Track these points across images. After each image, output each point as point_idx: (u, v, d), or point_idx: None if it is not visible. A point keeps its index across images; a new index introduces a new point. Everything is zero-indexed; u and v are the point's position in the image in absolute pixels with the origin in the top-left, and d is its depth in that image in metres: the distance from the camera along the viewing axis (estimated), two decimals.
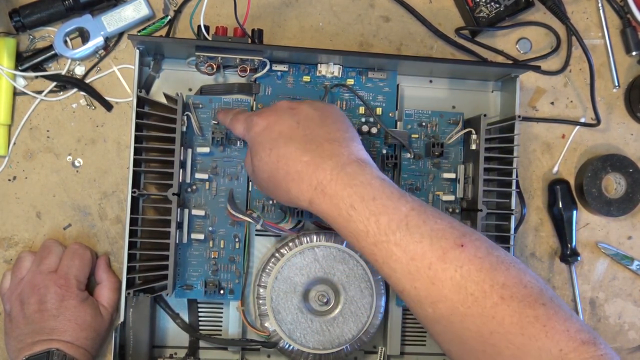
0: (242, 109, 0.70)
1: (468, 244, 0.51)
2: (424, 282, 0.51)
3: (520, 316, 0.48)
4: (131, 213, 0.68)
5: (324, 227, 0.72)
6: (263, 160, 0.59)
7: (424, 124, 0.75)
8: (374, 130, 0.73)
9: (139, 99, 0.68)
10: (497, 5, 0.80)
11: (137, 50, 0.69)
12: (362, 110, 0.74)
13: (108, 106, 0.75)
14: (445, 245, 0.51)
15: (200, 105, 0.72)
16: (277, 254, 0.70)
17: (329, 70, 0.73)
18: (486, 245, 0.52)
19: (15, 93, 0.74)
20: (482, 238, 0.53)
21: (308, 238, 0.70)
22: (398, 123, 0.75)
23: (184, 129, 0.69)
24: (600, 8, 0.83)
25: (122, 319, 0.68)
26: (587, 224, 0.83)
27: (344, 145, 0.58)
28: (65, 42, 0.73)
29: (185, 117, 0.69)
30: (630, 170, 0.81)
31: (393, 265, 0.53)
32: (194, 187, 0.71)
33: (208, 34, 0.71)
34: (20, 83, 0.74)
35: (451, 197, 0.74)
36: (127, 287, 0.67)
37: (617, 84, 0.83)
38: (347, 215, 0.54)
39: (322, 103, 0.63)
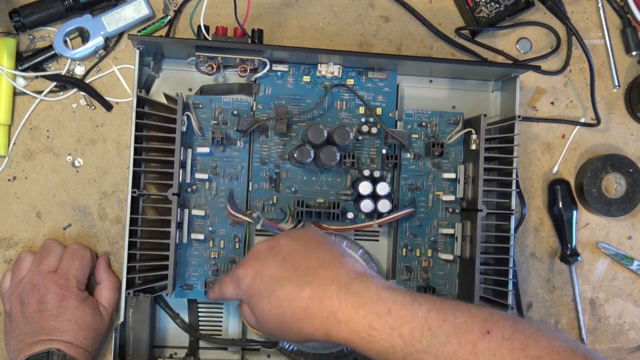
0: (223, 276, 0.65)
1: (493, 328, 0.51)
2: None
3: None
4: (131, 213, 0.68)
5: (323, 227, 0.72)
6: (265, 310, 0.57)
7: (424, 124, 0.74)
8: (374, 130, 0.73)
9: (139, 99, 0.68)
10: (497, 5, 0.80)
11: (137, 50, 0.69)
12: (362, 110, 0.74)
13: (108, 106, 0.75)
14: (473, 339, 0.51)
15: (200, 105, 0.71)
16: None
17: (329, 70, 0.73)
18: (510, 323, 0.52)
19: (15, 93, 0.74)
20: (504, 316, 0.53)
21: None
22: (398, 123, 0.75)
23: (184, 129, 0.69)
24: (600, 8, 0.83)
25: (122, 319, 0.68)
26: (587, 224, 0.83)
27: (339, 265, 0.57)
28: (65, 42, 0.74)
29: (185, 117, 0.69)
30: (630, 170, 0.81)
31: None
32: (194, 187, 0.71)
33: (208, 34, 0.71)
34: (20, 83, 0.74)
35: (451, 197, 0.74)
36: (127, 287, 0.67)
37: (617, 84, 0.83)
38: (368, 336, 0.53)
39: (298, 231, 0.62)
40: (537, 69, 0.75)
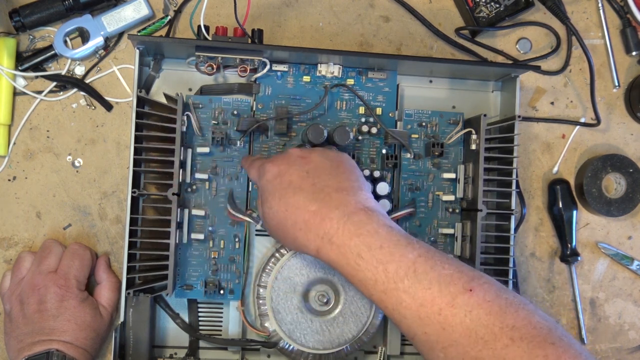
0: (260, 156, 0.71)
1: (477, 288, 0.52)
2: (434, 327, 0.52)
3: (530, 356, 0.49)
4: (131, 213, 0.68)
5: None
6: (273, 208, 0.59)
7: (424, 124, 0.75)
8: (374, 130, 0.73)
9: (139, 99, 0.68)
10: (497, 5, 0.80)
11: (137, 50, 0.69)
12: (362, 110, 0.74)
13: (108, 106, 0.75)
14: (454, 291, 0.52)
15: (200, 105, 0.72)
16: (277, 254, 0.70)
17: (329, 70, 0.73)
18: (495, 288, 0.53)
19: (15, 93, 0.74)
20: (490, 281, 0.54)
21: None
22: (398, 123, 0.75)
23: (184, 129, 0.69)
24: (600, 8, 0.83)
25: (122, 319, 0.68)
26: (587, 224, 0.83)
27: (352, 194, 0.58)
28: (65, 42, 0.74)
29: (185, 117, 0.69)
30: (630, 170, 0.81)
31: (403, 312, 0.53)
32: (194, 187, 0.71)
33: (208, 34, 0.71)
34: (20, 83, 0.74)
35: (451, 197, 0.74)
36: (127, 287, 0.67)
37: (617, 84, 0.83)
38: (354, 264, 0.55)
39: (334, 152, 0.64)
40: (537, 69, 0.75)
